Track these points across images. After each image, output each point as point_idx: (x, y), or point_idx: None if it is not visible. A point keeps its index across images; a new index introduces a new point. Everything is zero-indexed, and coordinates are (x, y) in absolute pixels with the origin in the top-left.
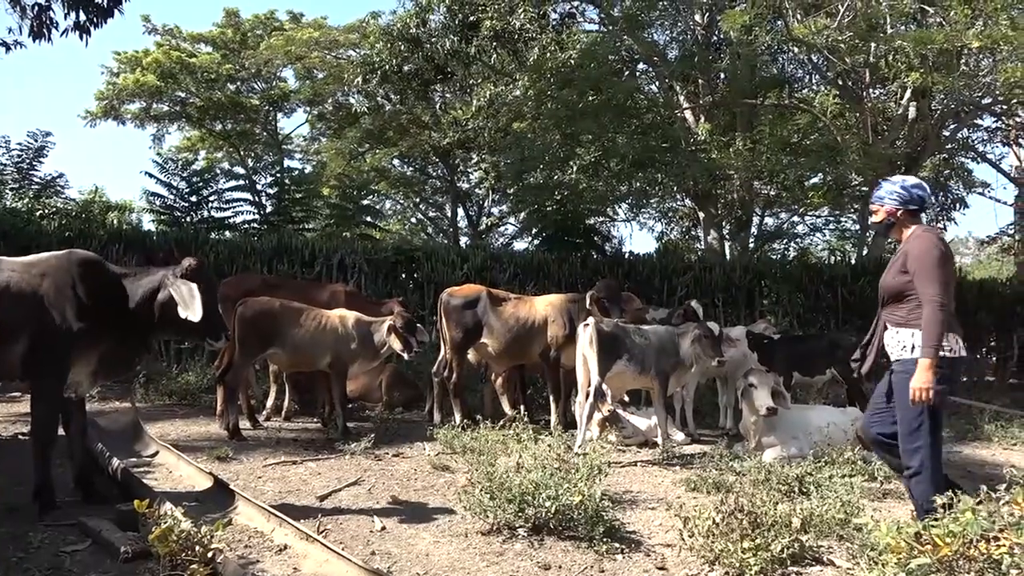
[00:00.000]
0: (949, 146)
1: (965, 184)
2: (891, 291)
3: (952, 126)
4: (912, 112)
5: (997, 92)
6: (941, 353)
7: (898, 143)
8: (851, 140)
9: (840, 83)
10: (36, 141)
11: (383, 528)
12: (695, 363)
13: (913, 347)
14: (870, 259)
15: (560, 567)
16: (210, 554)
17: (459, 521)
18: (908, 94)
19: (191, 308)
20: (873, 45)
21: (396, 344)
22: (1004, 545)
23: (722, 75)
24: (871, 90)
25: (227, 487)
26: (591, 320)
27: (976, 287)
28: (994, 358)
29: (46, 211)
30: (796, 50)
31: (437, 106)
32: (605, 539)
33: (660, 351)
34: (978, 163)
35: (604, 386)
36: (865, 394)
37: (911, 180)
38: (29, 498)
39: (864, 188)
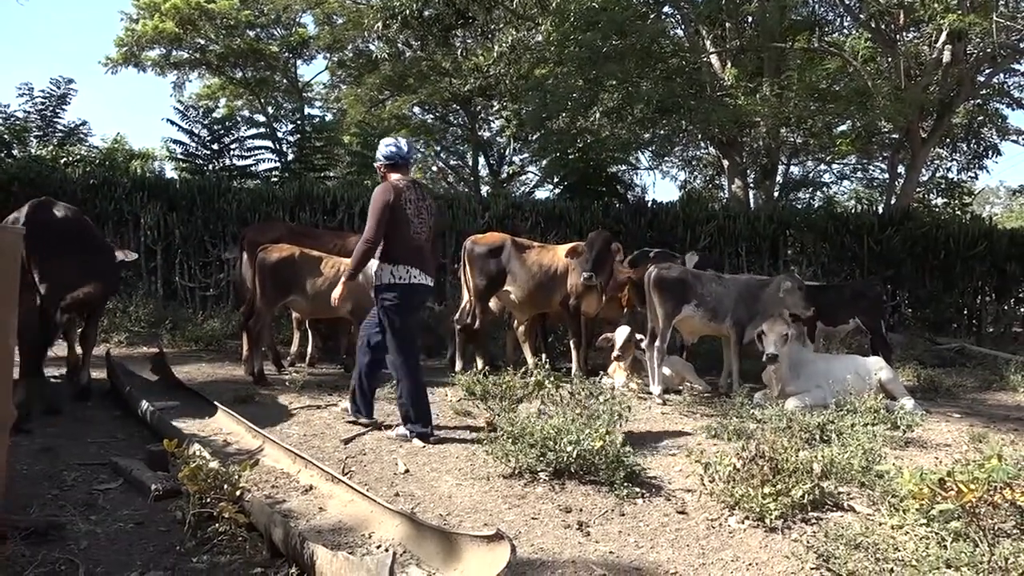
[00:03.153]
0: (984, 91)
1: (999, 131)
2: None
3: (987, 70)
4: (947, 56)
5: None
6: (392, 280)
7: (931, 88)
8: (882, 85)
9: (873, 25)
10: (59, 88)
11: (406, 471)
12: (774, 313)
13: (379, 276)
14: (898, 208)
15: (581, 510)
16: (238, 492)
17: (481, 465)
18: (943, 37)
19: None
20: None
21: None
22: None
23: (750, 18)
24: (904, 33)
25: (253, 429)
26: (653, 266)
27: (1006, 237)
28: (1022, 309)
29: (70, 159)
30: None
31: (458, 52)
32: (626, 483)
33: (739, 300)
34: (1013, 109)
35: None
36: (889, 344)
37: (387, 140)
38: (61, 438)
39: (894, 135)
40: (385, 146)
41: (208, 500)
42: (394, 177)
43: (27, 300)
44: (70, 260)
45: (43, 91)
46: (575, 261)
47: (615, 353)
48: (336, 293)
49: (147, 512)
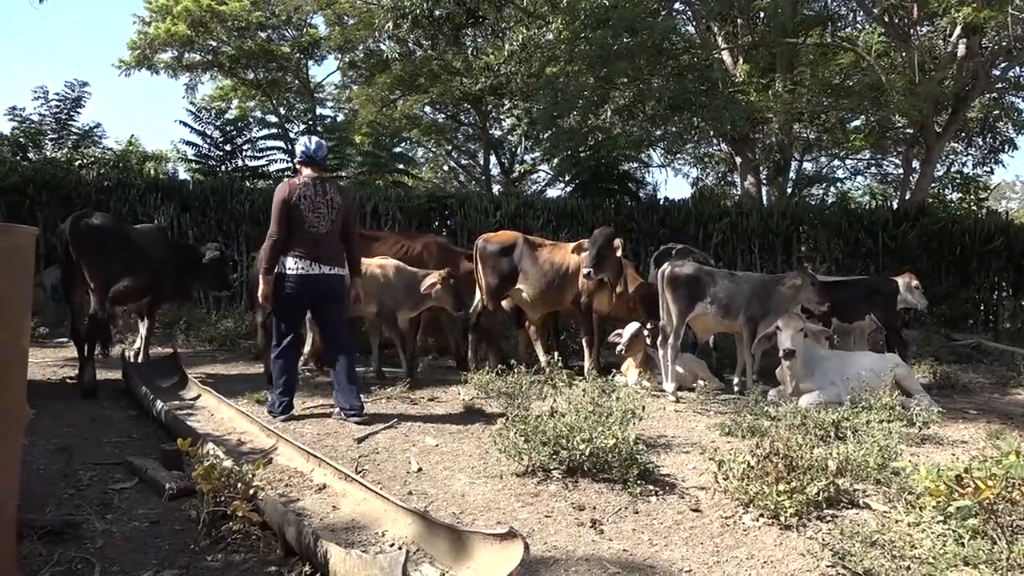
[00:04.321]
0: (999, 85)
1: (1015, 125)
2: None
3: (1003, 64)
4: (961, 50)
5: None
6: (282, 270)
7: (945, 82)
8: (896, 80)
9: (886, 20)
10: (73, 91)
11: (419, 469)
12: (788, 309)
13: (279, 267)
14: (912, 203)
15: (595, 508)
16: (251, 491)
17: (494, 463)
18: (958, 30)
19: None
20: None
21: (446, 299)
22: None
23: (762, 13)
24: (918, 27)
25: (267, 428)
26: (667, 263)
27: (1022, 232)
28: None
29: (85, 161)
30: None
31: (469, 51)
32: (639, 481)
33: (752, 297)
34: None
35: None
36: (905, 340)
37: (302, 139)
38: (77, 438)
39: (909, 130)
40: (300, 145)
41: (222, 499)
42: (305, 172)
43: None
44: (113, 261)
45: (58, 94)
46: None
47: (619, 348)
48: (259, 292)
49: (162, 511)
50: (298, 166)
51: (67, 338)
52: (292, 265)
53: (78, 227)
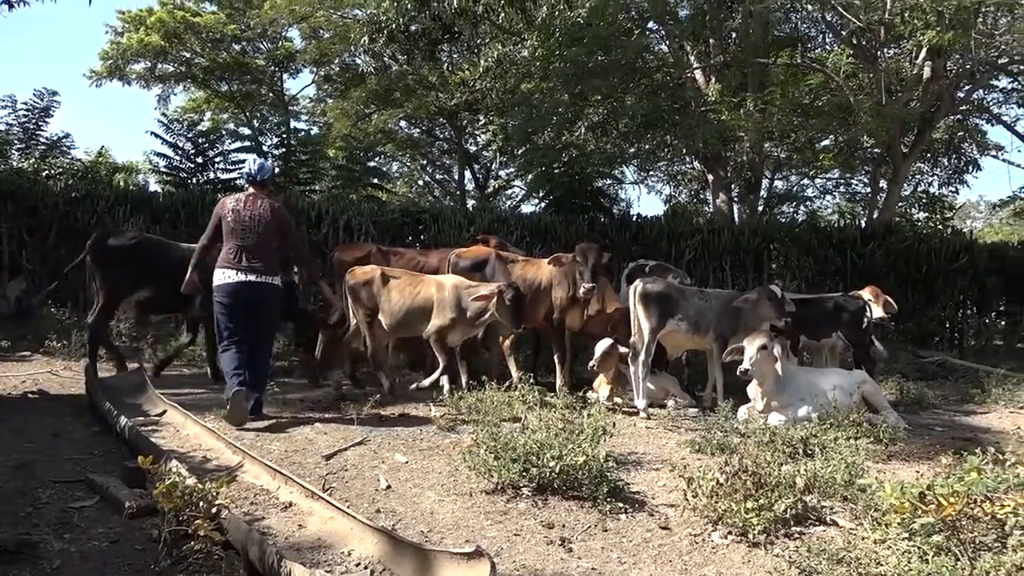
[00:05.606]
0: (963, 107)
1: (979, 146)
2: None
3: (967, 87)
4: (927, 72)
5: (1014, 51)
6: (214, 281)
7: (912, 104)
8: (864, 101)
9: (854, 42)
10: (42, 100)
11: (388, 487)
12: (758, 326)
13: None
14: (880, 222)
15: (564, 525)
16: (214, 510)
17: (464, 480)
18: (923, 53)
19: None
20: (889, 2)
21: (504, 314)
22: (1008, 505)
23: (733, 34)
24: (885, 49)
25: (233, 445)
26: (639, 280)
27: (986, 251)
28: (1003, 322)
29: (52, 171)
30: (810, 7)
31: (444, 66)
32: (609, 499)
33: (721, 314)
34: (992, 125)
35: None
36: (873, 357)
37: (250, 159)
38: (37, 455)
39: (876, 150)
40: (246, 165)
41: (184, 517)
42: (249, 191)
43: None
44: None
45: (26, 103)
46: (560, 272)
47: (591, 364)
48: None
49: (122, 530)
50: (246, 185)
51: (29, 351)
52: (221, 276)
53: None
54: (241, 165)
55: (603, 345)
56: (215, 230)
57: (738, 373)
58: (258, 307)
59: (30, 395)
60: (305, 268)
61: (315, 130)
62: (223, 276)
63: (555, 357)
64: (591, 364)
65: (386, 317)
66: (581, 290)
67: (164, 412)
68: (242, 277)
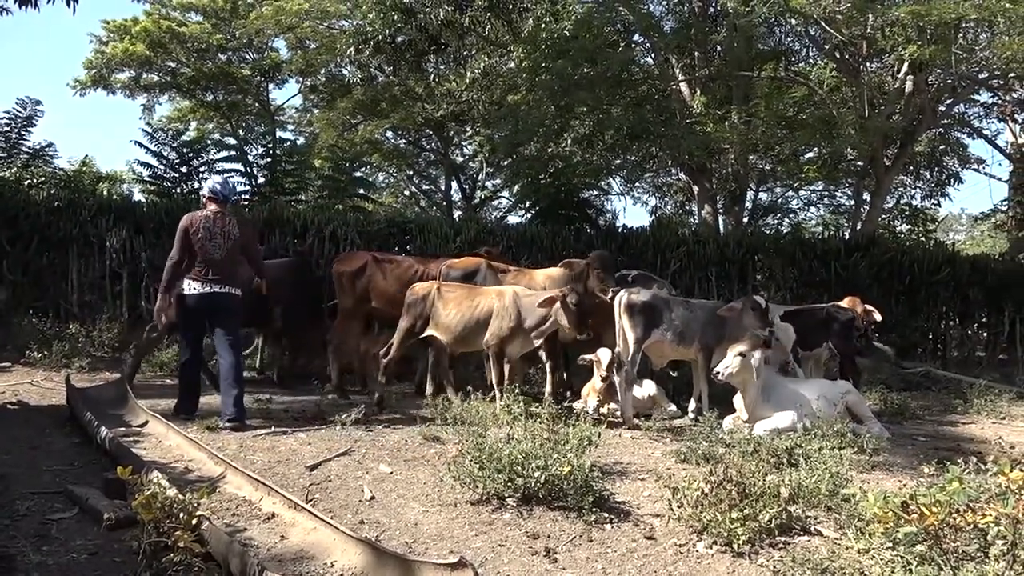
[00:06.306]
0: (945, 121)
1: (960, 160)
2: None
3: (948, 101)
4: (909, 86)
5: (994, 66)
6: (181, 291)
7: (894, 117)
8: (847, 114)
9: (837, 56)
10: (25, 109)
11: (372, 498)
12: (742, 336)
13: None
14: (863, 234)
15: (549, 536)
16: (195, 521)
17: (448, 491)
18: (905, 67)
19: None
20: (871, 17)
21: (569, 320)
22: (990, 515)
23: (718, 47)
24: (868, 63)
25: (216, 456)
26: (624, 290)
27: (968, 263)
28: (985, 334)
29: (35, 180)
30: (793, 21)
31: (431, 78)
32: (594, 509)
33: (706, 324)
34: (974, 139)
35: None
36: (859, 368)
37: (213, 178)
38: (16, 467)
39: (859, 162)
40: (208, 183)
41: (164, 529)
42: (210, 207)
43: None
44: None
45: (8, 112)
46: (563, 279)
47: (602, 373)
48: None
49: (101, 542)
50: (206, 200)
51: (9, 362)
52: (189, 286)
53: None
54: (227, 175)
55: (606, 354)
56: (184, 245)
57: (712, 376)
58: (222, 312)
59: (9, 406)
60: (260, 272)
61: (301, 140)
62: (192, 287)
63: (547, 366)
64: (601, 374)
65: (444, 332)
66: (609, 295)
67: (146, 423)
68: (210, 288)
